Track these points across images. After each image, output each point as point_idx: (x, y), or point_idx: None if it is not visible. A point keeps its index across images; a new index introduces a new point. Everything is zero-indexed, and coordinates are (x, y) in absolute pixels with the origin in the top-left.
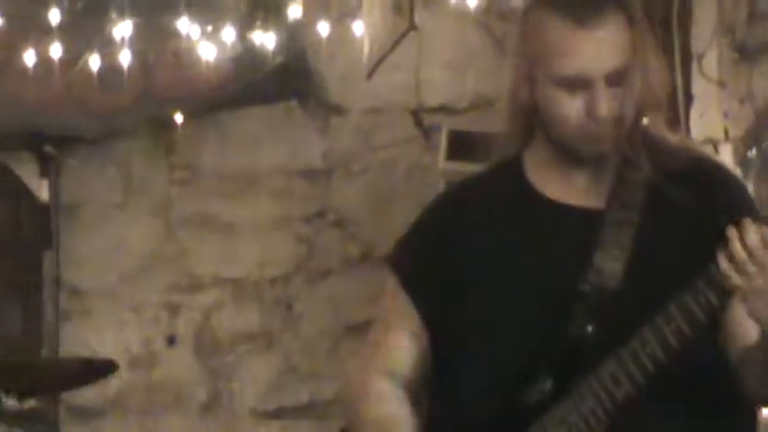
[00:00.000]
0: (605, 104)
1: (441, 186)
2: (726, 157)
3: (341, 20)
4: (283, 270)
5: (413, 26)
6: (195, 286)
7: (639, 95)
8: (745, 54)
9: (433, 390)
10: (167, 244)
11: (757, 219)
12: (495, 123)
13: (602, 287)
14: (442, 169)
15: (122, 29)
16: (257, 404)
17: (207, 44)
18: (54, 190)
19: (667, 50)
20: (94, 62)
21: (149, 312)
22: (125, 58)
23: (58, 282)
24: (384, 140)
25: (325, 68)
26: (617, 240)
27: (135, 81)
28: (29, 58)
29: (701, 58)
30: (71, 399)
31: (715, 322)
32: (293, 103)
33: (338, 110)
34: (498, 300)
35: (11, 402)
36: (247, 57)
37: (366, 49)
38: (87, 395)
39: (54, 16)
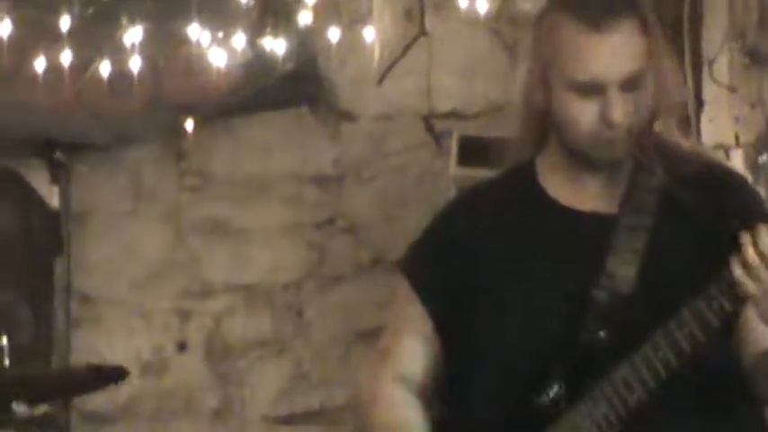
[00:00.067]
0: (619, 109)
1: (452, 192)
2: (737, 162)
3: (351, 26)
4: (294, 276)
5: (423, 32)
6: (206, 292)
7: (653, 101)
8: (755, 59)
9: (445, 394)
10: (178, 250)
11: None
12: (506, 129)
13: (615, 292)
14: (453, 175)
15: (133, 35)
16: (268, 410)
17: (217, 50)
18: (64, 197)
19: (678, 55)
20: (105, 69)
21: (160, 319)
22: (135, 64)
23: (68, 289)
24: (395, 146)
25: (335, 74)
26: (630, 245)
27: (145, 87)
28: (39, 64)
29: (711, 63)
30: (82, 404)
31: (728, 327)
32: (304, 109)
33: (349, 116)
34: (510, 305)
35: (22, 409)
36: (258, 63)
37: (377, 55)
38: (98, 401)
39: (64, 23)
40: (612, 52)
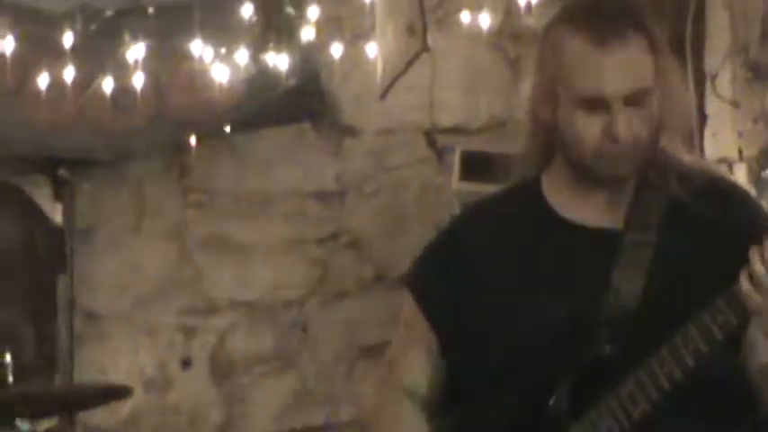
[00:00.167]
0: (624, 126)
1: (454, 207)
2: (740, 176)
3: (354, 41)
4: (298, 292)
5: (426, 47)
6: (210, 309)
7: (659, 117)
8: (758, 73)
9: (450, 407)
10: (182, 267)
11: None
12: (508, 144)
13: (621, 307)
14: (456, 190)
15: (135, 51)
16: (272, 427)
17: (220, 66)
18: (68, 213)
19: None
20: (108, 85)
21: (164, 335)
22: (138, 80)
23: (72, 306)
24: (397, 161)
25: (338, 90)
26: (635, 261)
27: (148, 104)
28: (42, 80)
29: (714, 77)
30: (87, 420)
31: (733, 341)
32: (306, 124)
33: (351, 131)
34: (515, 320)
35: (25, 426)
36: (261, 79)
37: (379, 71)
38: (102, 417)
39: (67, 39)
40: (617, 68)
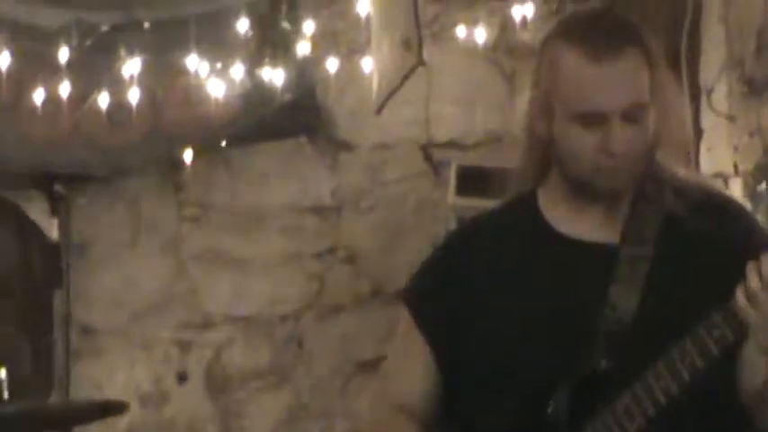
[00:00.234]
0: (620, 140)
1: (450, 222)
2: (735, 190)
3: (349, 56)
4: (294, 307)
5: (421, 62)
6: (206, 324)
7: (655, 132)
8: (754, 88)
9: (446, 423)
10: (178, 281)
11: None
12: (504, 158)
13: (617, 322)
14: (452, 204)
15: (131, 66)
16: None
17: (216, 81)
18: (64, 229)
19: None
20: (103, 100)
21: (160, 350)
22: (134, 95)
23: (68, 321)
24: (393, 176)
25: (334, 105)
26: (632, 275)
27: (144, 119)
28: (38, 96)
29: (709, 92)
30: None
31: (729, 356)
32: (302, 139)
33: (347, 146)
34: (512, 335)
35: None
36: (256, 93)
37: (375, 85)
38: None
39: (63, 54)
40: (614, 83)
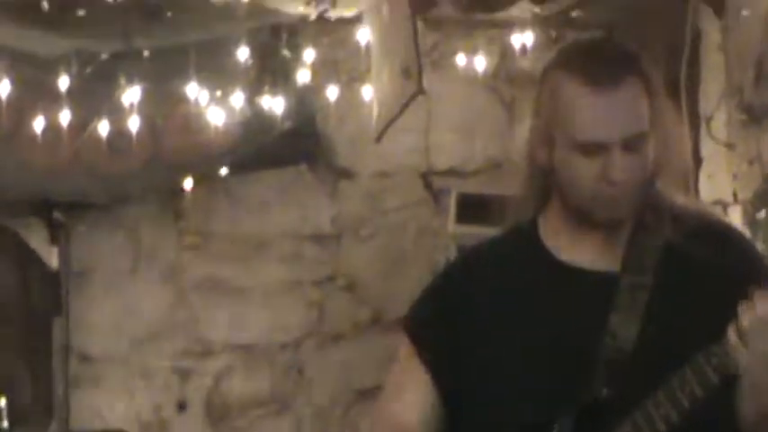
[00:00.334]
0: (620, 169)
1: (451, 249)
2: (735, 218)
3: (349, 84)
4: (294, 335)
5: (421, 90)
6: (206, 352)
7: (655, 160)
8: (753, 116)
9: None
10: (177, 309)
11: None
12: (504, 186)
13: (618, 350)
14: (452, 232)
15: (131, 95)
16: None
17: (216, 109)
18: (63, 256)
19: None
20: (103, 128)
21: (160, 378)
22: (134, 123)
23: (67, 349)
24: (393, 204)
25: (334, 132)
26: (632, 304)
27: (144, 147)
28: (38, 124)
29: (709, 120)
30: None
31: (729, 384)
32: (302, 167)
33: (347, 173)
34: (513, 363)
35: None
36: (256, 121)
37: (375, 113)
38: None
39: (63, 83)
40: (614, 113)
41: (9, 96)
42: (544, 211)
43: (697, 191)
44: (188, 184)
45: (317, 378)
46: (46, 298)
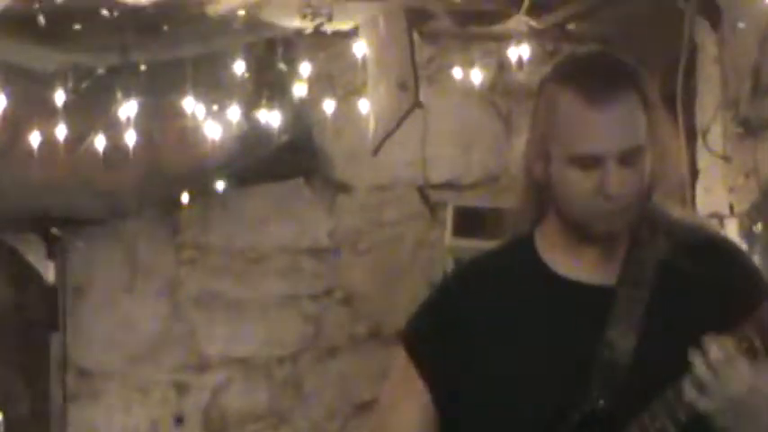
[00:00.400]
0: (617, 183)
1: (447, 262)
2: (731, 231)
3: (346, 98)
4: (291, 348)
5: (418, 103)
6: (203, 366)
7: (652, 174)
8: (749, 128)
9: None
10: (175, 324)
11: (723, 334)
12: (500, 199)
13: (614, 362)
14: (449, 245)
15: (127, 109)
16: None
17: (212, 123)
18: (61, 271)
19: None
20: (100, 142)
21: (157, 393)
22: (130, 137)
23: (65, 363)
24: (390, 217)
25: (331, 146)
26: (628, 317)
27: (140, 161)
28: (34, 139)
29: (705, 132)
30: None
31: None
32: (299, 180)
33: (344, 187)
34: (509, 376)
35: None
36: (253, 135)
37: (371, 127)
38: None
39: (59, 97)
40: (611, 127)
41: (5, 111)
42: (541, 225)
43: (693, 204)
44: (185, 198)
45: (315, 391)
46: (43, 313)
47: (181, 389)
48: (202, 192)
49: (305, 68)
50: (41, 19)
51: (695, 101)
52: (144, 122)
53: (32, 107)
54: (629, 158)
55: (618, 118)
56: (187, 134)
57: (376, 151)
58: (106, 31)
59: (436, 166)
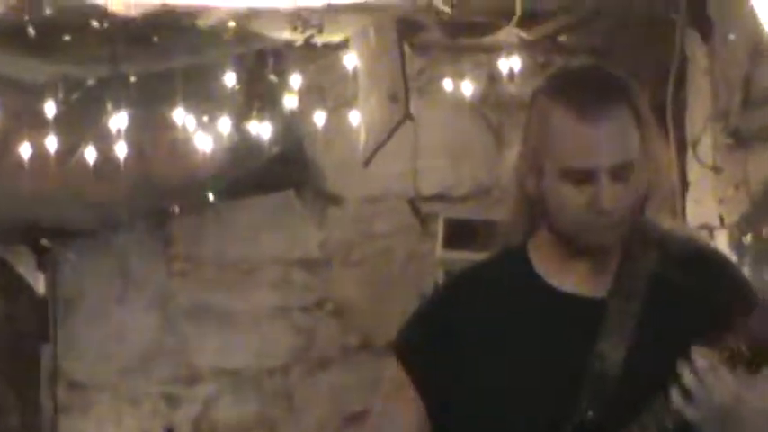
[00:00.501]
0: (609, 197)
1: (438, 274)
2: (721, 242)
3: (337, 110)
4: (282, 360)
5: (409, 115)
6: (194, 378)
7: (644, 187)
8: (739, 140)
9: None
10: (166, 336)
11: (705, 346)
12: (492, 211)
13: (605, 374)
14: (440, 257)
15: (118, 120)
16: None
17: (203, 135)
18: (51, 283)
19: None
20: (90, 154)
21: (148, 404)
22: (121, 149)
23: (56, 375)
24: (381, 229)
25: (321, 158)
26: (619, 329)
27: (131, 173)
28: (24, 150)
29: (695, 144)
30: None
31: None
32: (290, 192)
33: (335, 199)
34: (501, 388)
35: None
36: (244, 147)
37: (362, 139)
38: None
39: (49, 109)
40: (603, 141)
41: None
42: (533, 237)
43: (684, 215)
44: (176, 210)
45: (306, 403)
46: (34, 324)
47: (172, 401)
48: (193, 204)
49: (295, 80)
50: (31, 30)
51: (685, 112)
52: (134, 134)
53: (22, 119)
54: (621, 173)
55: (610, 133)
56: (178, 146)
57: (367, 163)
58: (96, 42)
59: (427, 178)
